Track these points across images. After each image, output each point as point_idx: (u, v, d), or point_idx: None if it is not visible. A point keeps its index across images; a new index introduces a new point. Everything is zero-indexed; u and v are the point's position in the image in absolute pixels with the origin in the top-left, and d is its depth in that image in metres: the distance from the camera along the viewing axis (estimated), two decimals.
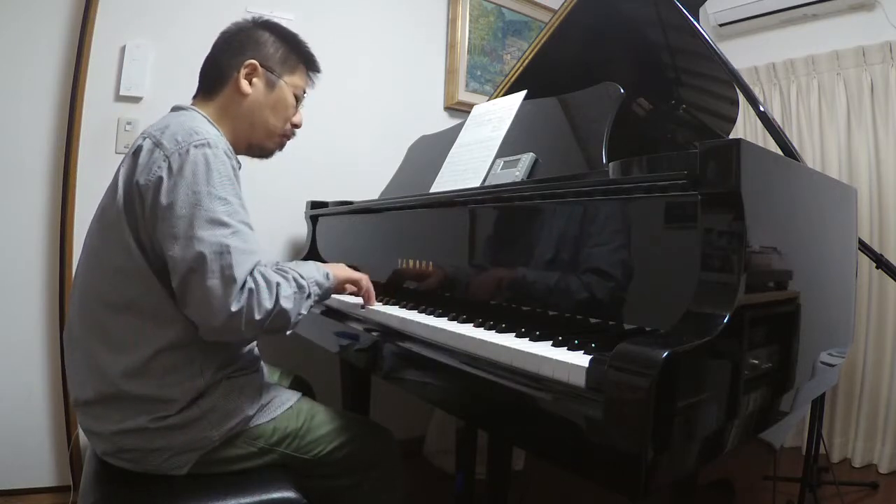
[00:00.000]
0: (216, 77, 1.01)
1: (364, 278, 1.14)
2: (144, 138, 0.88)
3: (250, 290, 0.82)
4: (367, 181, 1.92)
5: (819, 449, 1.69)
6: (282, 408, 0.97)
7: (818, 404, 1.71)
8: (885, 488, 1.93)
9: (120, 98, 1.63)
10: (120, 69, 1.62)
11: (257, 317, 0.82)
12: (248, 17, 1.08)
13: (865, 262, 1.69)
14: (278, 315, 0.86)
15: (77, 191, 1.54)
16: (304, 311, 0.93)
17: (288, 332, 0.92)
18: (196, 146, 0.84)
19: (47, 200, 1.55)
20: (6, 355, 1.50)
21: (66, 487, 1.55)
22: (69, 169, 1.54)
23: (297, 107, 1.09)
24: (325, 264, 1.05)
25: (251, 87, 1.01)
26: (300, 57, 1.08)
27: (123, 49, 1.62)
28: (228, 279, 0.80)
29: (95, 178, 1.49)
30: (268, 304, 0.84)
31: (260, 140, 1.06)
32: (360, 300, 1.18)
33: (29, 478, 1.52)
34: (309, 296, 0.94)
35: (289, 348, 1.55)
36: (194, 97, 1.04)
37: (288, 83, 1.05)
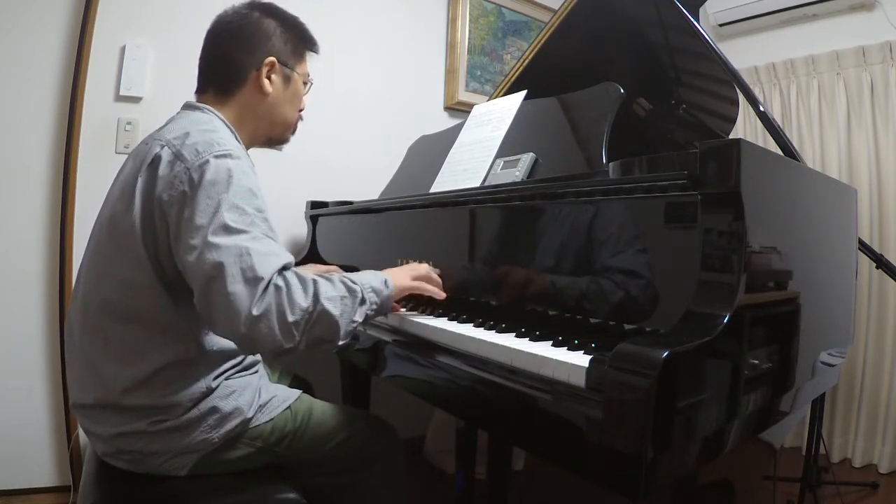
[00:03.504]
0: (232, 75, 0.97)
1: (430, 277, 1.04)
2: (162, 147, 0.84)
3: (277, 286, 0.76)
4: (367, 181, 1.92)
5: (819, 449, 1.69)
6: (280, 407, 0.97)
7: (818, 404, 1.71)
8: (885, 488, 1.93)
9: (120, 98, 1.63)
10: (120, 69, 1.62)
11: (291, 318, 0.75)
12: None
13: (865, 262, 1.69)
14: (321, 318, 0.78)
15: (77, 191, 1.54)
16: (358, 319, 0.85)
17: (341, 343, 0.84)
18: (217, 156, 0.81)
19: (47, 200, 1.55)
20: (6, 355, 1.50)
21: (66, 487, 1.55)
22: (69, 169, 1.54)
23: (305, 93, 1.08)
24: (385, 270, 0.97)
25: (271, 86, 0.99)
26: (306, 44, 1.06)
27: (123, 49, 1.62)
28: (251, 280, 0.74)
29: (95, 178, 1.49)
30: (303, 302, 0.77)
31: (279, 134, 1.07)
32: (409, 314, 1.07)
33: (29, 478, 1.52)
34: (363, 301, 0.86)
35: None
36: (201, 93, 1.00)
37: (299, 74, 1.05)
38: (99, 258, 0.90)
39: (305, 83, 1.07)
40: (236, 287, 0.74)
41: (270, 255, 0.78)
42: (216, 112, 0.95)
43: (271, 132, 1.05)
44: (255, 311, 0.74)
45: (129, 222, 0.83)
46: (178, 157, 0.82)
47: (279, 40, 1.00)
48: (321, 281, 0.82)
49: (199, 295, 0.78)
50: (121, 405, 0.84)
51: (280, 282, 0.77)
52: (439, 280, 1.06)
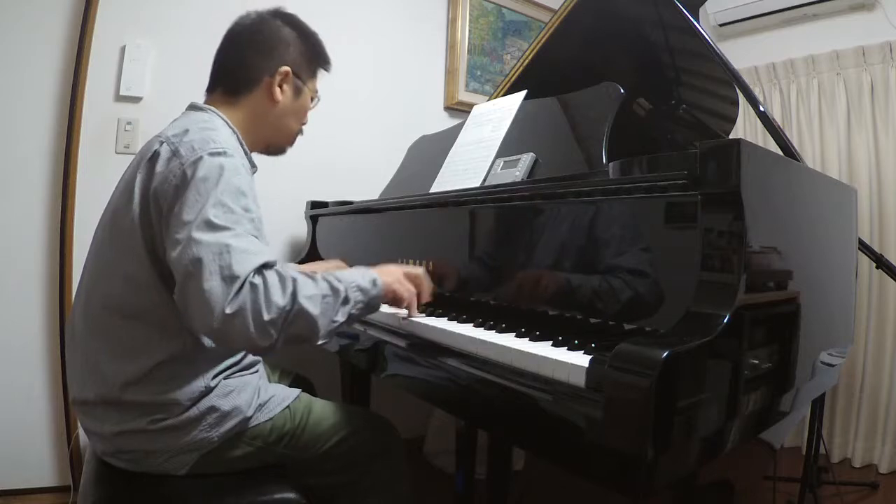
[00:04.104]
0: (244, 78, 0.98)
1: (421, 279, 1.01)
2: (161, 143, 0.85)
3: (253, 285, 0.75)
4: (367, 181, 1.92)
5: (819, 449, 1.69)
6: (279, 406, 0.97)
7: (818, 404, 1.71)
8: (885, 488, 1.93)
9: (120, 98, 1.63)
10: (120, 69, 1.62)
11: (267, 316, 0.74)
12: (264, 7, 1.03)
13: (865, 262, 1.69)
14: (298, 317, 0.77)
15: (77, 191, 1.54)
16: (339, 319, 0.83)
17: (321, 343, 0.83)
18: (211, 154, 0.82)
19: (47, 200, 1.55)
20: (6, 355, 1.50)
21: (66, 487, 1.55)
22: (69, 169, 1.54)
23: (311, 108, 1.09)
24: (374, 267, 0.94)
25: (282, 95, 1.00)
26: (320, 61, 1.07)
27: (123, 49, 1.62)
28: (228, 278, 0.74)
29: (95, 178, 1.49)
30: (280, 300, 0.76)
31: (280, 142, 1.08)
32: (399, 311, 1.03)
33: (29, 478, 1.52)
34: (347, 301, 0.84)
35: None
36: (210, 92, 1.01)
37: (309, 88, 1.06)
38: (102, 254, 0.91)
39: (312, 98, 1.08)
40: (212, 284, 0.74)
41: (250, 253, 0.77)
42: (218, 112, 0.96)
43: (272, 140, 1.06)
44: (228, 310, 0.73)
45: (129, 218, 0.84)
46: (174, 153, 0.83)
47: (296, 51, 1.02)
48: (302, 279, 0.80)
49: (177, 290, 0.78)
50: (121, 401, 0.85)
51: (257, 280, 0.76)
52: (429, 287, 1.03)
